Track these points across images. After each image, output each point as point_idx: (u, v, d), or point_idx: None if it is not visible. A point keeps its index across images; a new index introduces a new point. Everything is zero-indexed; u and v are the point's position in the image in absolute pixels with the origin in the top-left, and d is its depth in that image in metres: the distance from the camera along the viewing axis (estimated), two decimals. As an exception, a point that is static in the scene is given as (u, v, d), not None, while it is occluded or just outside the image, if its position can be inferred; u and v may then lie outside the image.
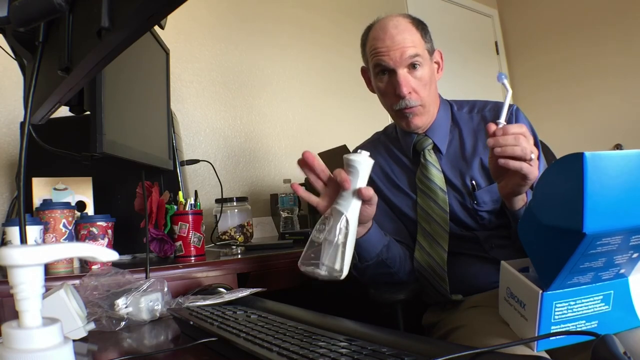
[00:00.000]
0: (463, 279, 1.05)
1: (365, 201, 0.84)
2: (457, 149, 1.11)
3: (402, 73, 1.04)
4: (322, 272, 0.82)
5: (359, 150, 0.84)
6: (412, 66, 1.05)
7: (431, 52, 1.10)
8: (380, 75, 1.08)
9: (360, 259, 1.00)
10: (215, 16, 2.12)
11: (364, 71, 1.18)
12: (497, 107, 1.11)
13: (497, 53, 3.61)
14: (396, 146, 1.19)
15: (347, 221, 0.82)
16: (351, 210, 0.83)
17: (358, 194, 0.82)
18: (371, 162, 0.84)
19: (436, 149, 1.11)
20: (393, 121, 1.20)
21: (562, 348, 0.70)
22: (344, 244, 0.81)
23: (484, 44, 3.55)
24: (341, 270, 0.81)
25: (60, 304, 0.72)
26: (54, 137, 0.95)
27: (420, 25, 1.08)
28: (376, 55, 1.06)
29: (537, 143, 1.08)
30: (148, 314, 0.83)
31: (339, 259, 0.81)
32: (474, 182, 1.06)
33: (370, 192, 0.83)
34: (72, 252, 0.40)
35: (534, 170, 0.81)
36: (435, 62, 1.13)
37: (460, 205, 1.07)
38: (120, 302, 0.81)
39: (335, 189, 0.85)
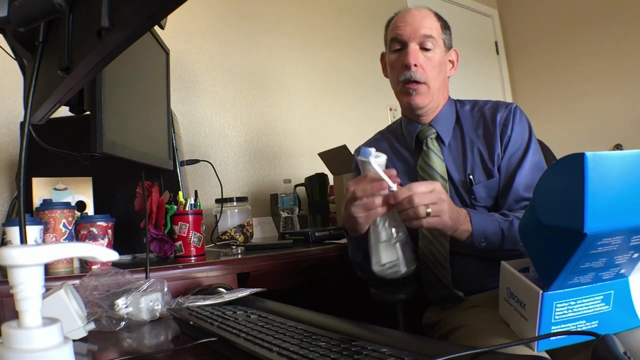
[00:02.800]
0: (463, 278, 1.05)
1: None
2: (459, 143, 1.12)
3: (413, 46, 1.09)
4: (402, 270, 0.87)
5: (367, 150, 0.86)
6: (424, 47, 1.09)
7: (447, 45, 1.15)
8: (394, 50, 1.13)
9: (366, 257, 1.00)
10: (216, 16, 2.12)
11: (383, 57, 1.22)
12: (497, 105, 1.13)
13: (497, 53, 3.61)
14: (399, 141, 1.20)
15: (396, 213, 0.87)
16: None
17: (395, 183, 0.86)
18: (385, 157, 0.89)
19: (439, 139, 1.13)
20: (394, 120, 1.21)
21: (562, 348, 0.70)
22: (407, 236, 0.88)
23: (484, 44, 3.55)
24: (413, 261, 0.87)
25: (60, 304, 0.72)
26: (54, 137, 0.95)
27: (442, 20, 1.15)
28: (394, 30, 1.12)
29: (531, 141, 1.09)
30: (148, 314, 0.83)
31: (408, 254, 0.87)
32: (471, 177, 1.08)
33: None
34: (72, 252, 0.40)
35: (434, 222, 0.87)
36: (450, 60, 1.17)
37: (458, 200, 1.08)
38: (120, 302, 0.81)
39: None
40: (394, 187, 0.84)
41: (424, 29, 1.09)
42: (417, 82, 1.09)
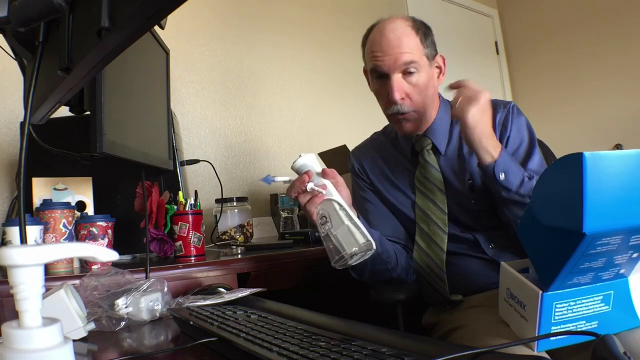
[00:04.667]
0: (462, 279, 1.05)
1: (333, 180, 0.91)
2: (456, 147, 1.11)
3: (396, 78, 1.04)
4: (354, 259, 0.85)
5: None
6: (408, 72, 1.04)
7: (431, 57, 1.08)
8: (377, 79, 1.08)
9: None
10: (216, 16, 2.12)
11: (366, 72, 1.18)
12: (495, 105, 1.11)
13: (497, 53, 3.61)
14: (395, 146, 1.19)
15: (337, 202, 0.87)
16: (331, 194, 0.89)
17: (324, 177, 0.89)
18: (312, 155, 0.92)
19: (435, 149, 1.11)
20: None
21: (562, 348, 0.70)
22: (351, 219, 0.85)
23: (484, 44, 3.55)
24: (367, 240, 0.84)
25: (60, 304, 0.72)
26: (54, 137, 0.95)
27: (420, 29, 1.06)
28: (372, 60, 1.06)
29: (534, 141, 1.08)
30: (148, 314, 0.83)
31: (358, 235, 0.84)
32: (471, 182, 1.06)
33: (332, 170, 0.91)
34: (72, 252, 0.40)
35: (456, 113, 0.96)
36: (436, 67, 1.12)
37: (458, 205, 1.07)
38: (120, 302, 0.81)
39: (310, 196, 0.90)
40: (310, 185, 0.89)
41: (403, 55, 1.02)
42: (406, 113, 1.06)
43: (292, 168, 0.92)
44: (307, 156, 0.92)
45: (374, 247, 0.84)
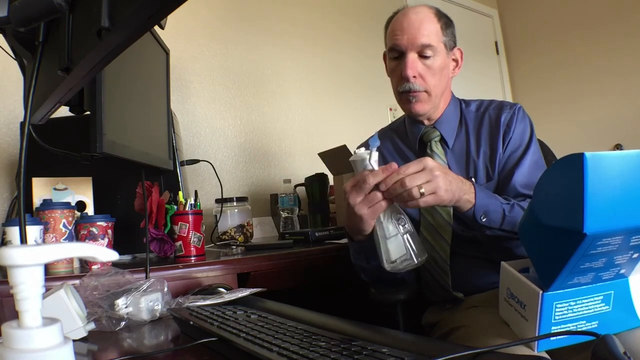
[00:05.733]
0: (464, 279, 1.05)
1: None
2: (463, 144, 1.12)
3: (411, 56, 1.06)
4: (415, 261, 0.85)
5: (356, 151, 0.87)
6: (424, 55, 1.06)
7: (449, 47, 1.11)
8: (393, 59, 1.11)
9: (369, 259, 1.00)
10: (216, 16, 2.12)
11: (385, 56, 1.19)
12: (501, 106, 1.13)
13: (497, 53, 3.61)
14: (403, 140, 1.20)
15: (400, 208, 0.86)
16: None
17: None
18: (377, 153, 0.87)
19: (443, 141, 1.12)
20: (396, 118, 1.20)
21: (562, 348, 0.70)
22: (412, 228, 0.86)
23: (484, 44, 3.55)
24: (423, 256, 0.86)
25: (60, 304, 0.72)
26: (54, 137, 0.95)
27: (442, 19, 1.10)
28: (392, 39, 1.09)
29: (532, 140, 1.09)
30: (148, 314, 0.83)
31: (417, 244, 0.85)
32: (473, 179, 1.07)
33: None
34: (72, 252, 0.40)
35: (430, 200, 0.84)
36: (453, 59, 1.15)
37: None
38: (120, 302, 0.81)
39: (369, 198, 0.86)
40: None
41: (422, 37, 1.05)
42: (417, 91, 1.07)
43: (369, 160, 0.85)
44: (375, 153, 0.86)
45: (416, 262, 0.85)
